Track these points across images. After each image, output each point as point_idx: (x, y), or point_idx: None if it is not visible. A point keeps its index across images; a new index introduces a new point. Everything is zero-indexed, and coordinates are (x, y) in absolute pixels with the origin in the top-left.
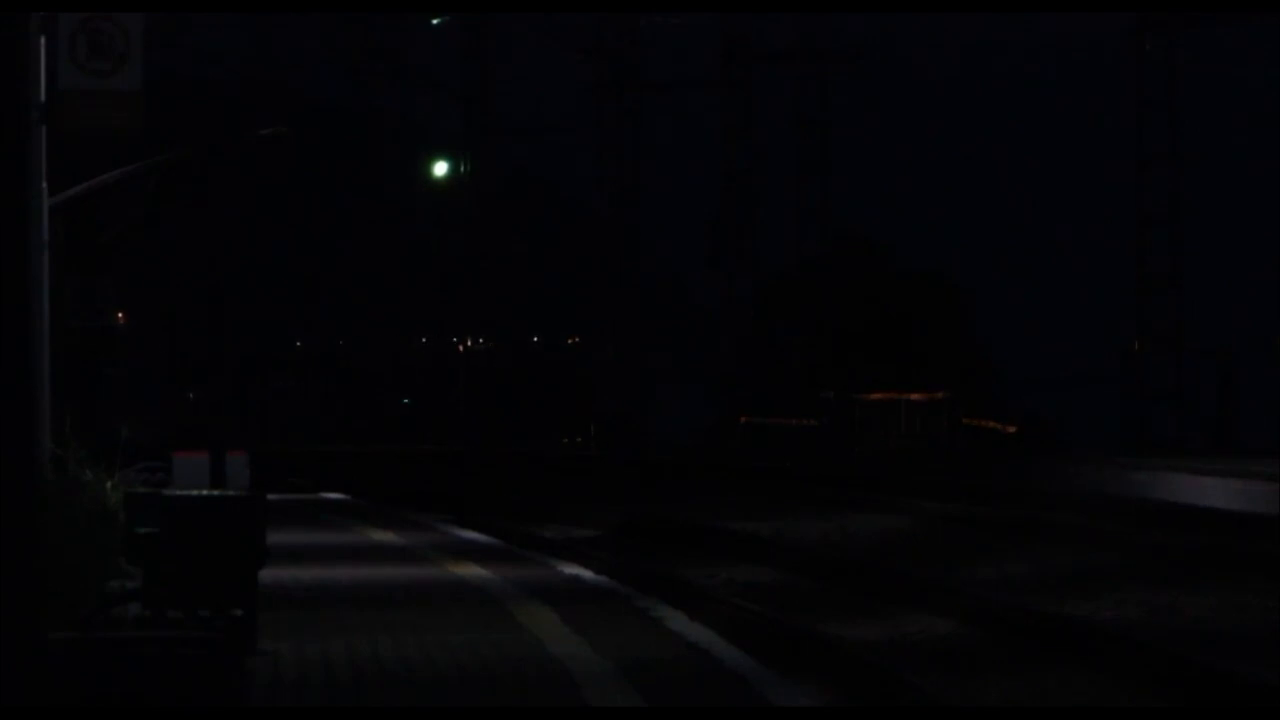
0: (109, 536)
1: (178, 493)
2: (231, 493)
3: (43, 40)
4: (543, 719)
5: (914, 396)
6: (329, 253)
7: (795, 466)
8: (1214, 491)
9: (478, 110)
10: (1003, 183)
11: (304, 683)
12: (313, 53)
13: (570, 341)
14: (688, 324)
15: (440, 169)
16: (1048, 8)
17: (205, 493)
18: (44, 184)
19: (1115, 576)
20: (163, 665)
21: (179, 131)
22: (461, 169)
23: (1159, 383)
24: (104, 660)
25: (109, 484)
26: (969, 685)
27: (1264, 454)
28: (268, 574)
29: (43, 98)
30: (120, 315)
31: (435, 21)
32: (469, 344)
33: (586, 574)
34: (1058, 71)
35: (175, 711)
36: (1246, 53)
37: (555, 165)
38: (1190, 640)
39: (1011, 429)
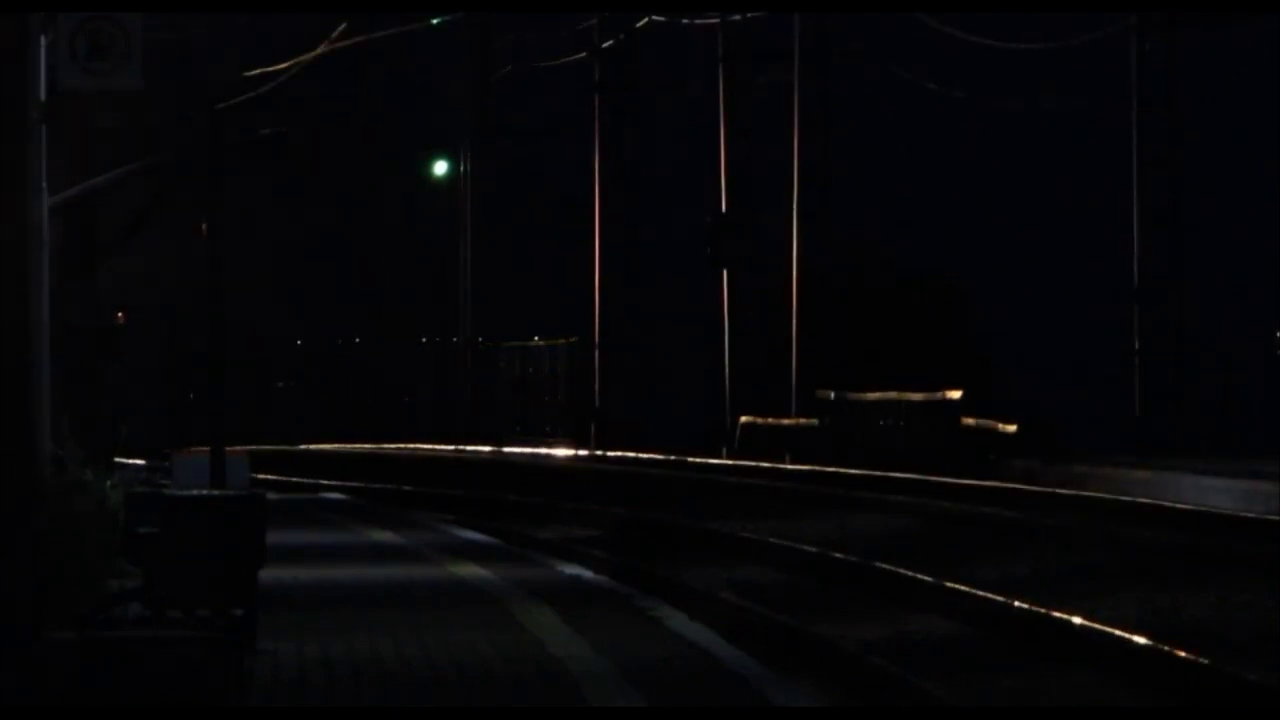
0: (109, 536)
1: (178, 493)
2: (231, 493)
3: (43, 40)
4: (543, 719)
5: (915, 396)
6: (329, 252)
7: (795, 466)
8: (1215, 491)
9: (478, 110)
10: (1002, 183)
11: (304, 683)
12: (311, 51)
13: (568, 341)
14: (688, 323)
15: (440, 169)
16: (1048, 8)
17: (205, 493)
18: (44, 184)
19: (1115, 576)
20: (163, 665)
21: (179, 131)
22: (461, 169)
23: (1159, 382)
24: (104, 660)
25: (109, 484)
26: (969, 685)
27: (1265, 453)
28: (268, 574)
29: (43, 98)
30: (120, 315)
31: (435, 22)
32: (469, 342)
33: (586, 574)
34: (1058, 70)
35: (175, 711)
36: (1247, 53)
37: (555, 165)
38: (1190, 640)
39: (1011, 428)
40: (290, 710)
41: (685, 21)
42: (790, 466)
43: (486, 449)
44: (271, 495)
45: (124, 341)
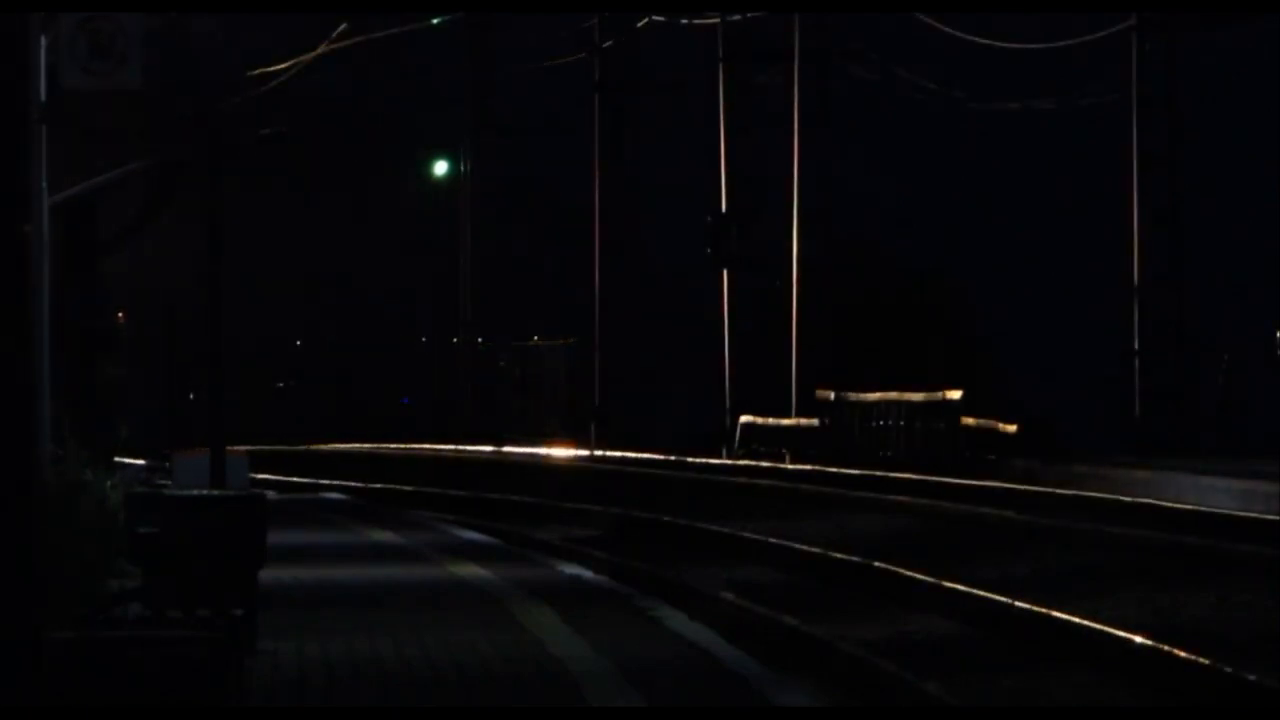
0: (109, 536)
1: (178, 493)
2: (231, 493)
3: (43, 40)
4: (543, 719)
5: (915, 396)
6: (329, 252)
7: (795, 466)
8: (1215, 491)
9: (478, 110)
10: (1002, 183)
11: (304, 683)
12: (311, 51)
13: (567, 341)
14: (688, 323)
15: (440, 169)
16: (1048, 8)
17: (205, 493)
18: (44, 184)
19: (1115, 576)
20: (163, 665)
21: (179, 131)
22: (461, 169)
23: (1159, 382)
24: (104, 660)
25: (109, 484)
26: (969, 685)
27: (1265, 453)
28: (268, 574)
29: (43, 98)
30: (120, 315)
31: (435, 22)
32: (469, 342)
33: (586, 574)
34: (1058, 71)
35: (175, 711)
36: (1247, 53)
37: (555, 165)
38: (1190, 640)
39: (1011, 428)
40: (290, 710)
41: (684, 22)
42: (790, 466)
43: (486, 449)
44: (271, 495)
45: (124, 341)
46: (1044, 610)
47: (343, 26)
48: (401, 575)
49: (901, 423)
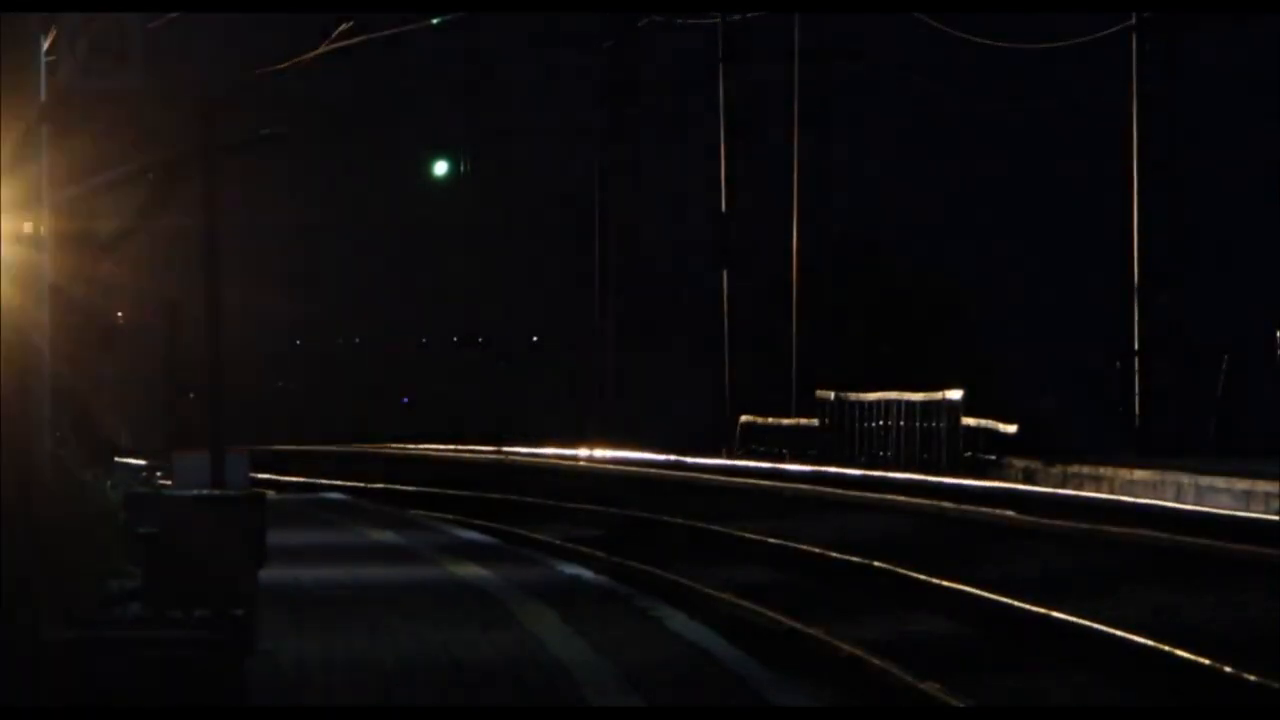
0: (109, 536)
1: (178, 493)
2: (231, 493)
3: (43, 40)
4: (543, 719)
5: (915, 396)
6: (328, 252)
7: (795, 466)
8: (1215, 491)
9: (478, 110)
10: (1001, 182)
11: (304, 683)
12: (311, 51)
13: (568, 341)
14: (688, 323)
15: (440, 169)
16: (1048, 8)
17: (205, 493)
18: (44, 184)
19: (1115, 577)
20: (163, 665)
21: (179, 131)
22: (461, 168)
23: (1159, 382)
24: (104, 660)
25: (109, 484)
26: (969, 685)
27: (1266, 453)
28: (268, 574)
29: (43, 98)
30: (120, 315)
31: (435, 22)
32: (469, 342)
33: (586, 574)
34: (1057, 71)
35: (175, 711)
36: (1247, 53)
37: (556, 165)
38: (1190, 640)
39: (1011, 428)
40: (290, 710)
41: (681, 21)
42: (790, 466)
43: (487, 449)
44: (271, 495)
45: (124, 341)
46: (1044, 610)
47: (343, 26)
48: (401, 575)
49: (901, 423)
